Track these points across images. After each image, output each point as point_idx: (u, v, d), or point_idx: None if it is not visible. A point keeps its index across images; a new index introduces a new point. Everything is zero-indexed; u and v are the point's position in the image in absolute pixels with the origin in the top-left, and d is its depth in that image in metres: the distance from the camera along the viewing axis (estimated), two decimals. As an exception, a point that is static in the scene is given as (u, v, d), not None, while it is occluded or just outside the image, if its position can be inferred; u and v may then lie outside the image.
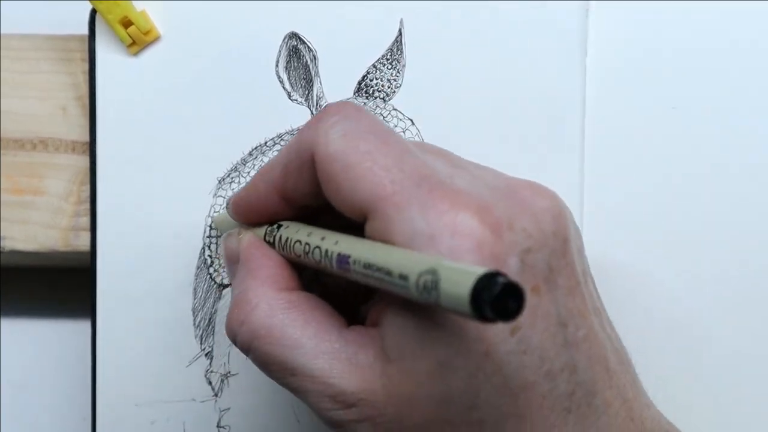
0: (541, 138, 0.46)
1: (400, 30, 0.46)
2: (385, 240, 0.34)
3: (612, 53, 0.46)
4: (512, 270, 0.34)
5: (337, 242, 0.36)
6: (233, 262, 0.41)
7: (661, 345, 0.46)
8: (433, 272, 0.31)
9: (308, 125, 0.37)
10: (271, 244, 0.40)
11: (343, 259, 0.35)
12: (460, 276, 0.30)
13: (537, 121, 0.46)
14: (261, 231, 0.41)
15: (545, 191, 0.37)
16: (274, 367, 0.37)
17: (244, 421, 0.48)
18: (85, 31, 0.47)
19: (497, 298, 0.29)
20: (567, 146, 0.46)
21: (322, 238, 0.37)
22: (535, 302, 0.34)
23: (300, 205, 0.39)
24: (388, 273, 0.33)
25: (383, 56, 0.47)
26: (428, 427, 0.35)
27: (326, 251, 0.36)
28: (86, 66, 0.48)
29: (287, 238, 0.39)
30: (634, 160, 0.46)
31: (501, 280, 0.29)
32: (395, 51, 0.47)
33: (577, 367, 0.35)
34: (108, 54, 0.47)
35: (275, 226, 0.40)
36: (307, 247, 0.37)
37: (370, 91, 0.47)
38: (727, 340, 0.46)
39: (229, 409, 0.48)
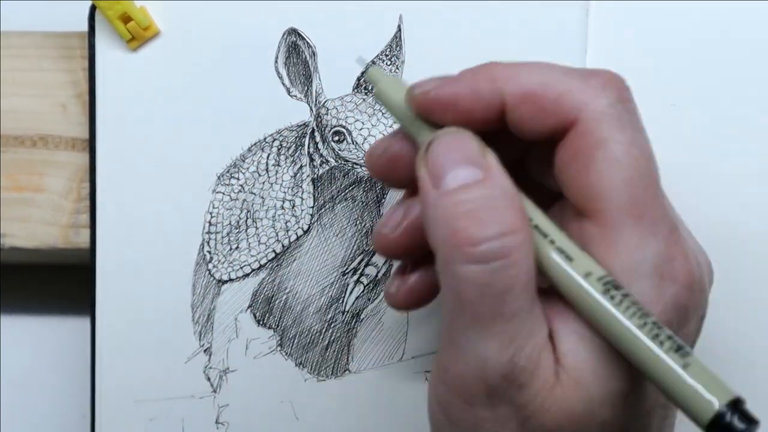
0: (541, 138, 0.46)
1: (399, 26, 0.46)
2: (608, 246, 0.33)
3: (612, 53, 0.46)
4: (692, 326, 0.35)
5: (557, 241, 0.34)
6: (469, 164, 0.34)
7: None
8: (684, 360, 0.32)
9: (586, 82, 0.35)
10: None
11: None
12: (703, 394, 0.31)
13: (537, 121, 0.46)
14: None
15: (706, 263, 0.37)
16: (497, 301, 0.33)
17: (243, 418, 0.48)
18: (85, 28, 0.47)
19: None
20: (567, 146, 0.46)
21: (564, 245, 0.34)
22: None
23: (506, 134, 0.36)
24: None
25: (382, 52, 0.47)
26: None
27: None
28: (86, 63, 0.48)
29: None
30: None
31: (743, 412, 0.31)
32: (394, 47, 0.47)
33: None
34: (108, 50, 0.47)
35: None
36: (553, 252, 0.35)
37: (370, 87, 0.47)
38: (729, 338, 0.46)
39: (227, 405, 0.48)
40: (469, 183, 0.34)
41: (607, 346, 0.33)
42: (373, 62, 0.46)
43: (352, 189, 0.47)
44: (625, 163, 0.34)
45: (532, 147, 0.38)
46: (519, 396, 0.33)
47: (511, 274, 0.33)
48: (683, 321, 0.34)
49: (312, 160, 0.47)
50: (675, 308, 0.33)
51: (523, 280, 0.33)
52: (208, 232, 0.47)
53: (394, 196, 0.47)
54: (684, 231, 0.35)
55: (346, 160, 0.47)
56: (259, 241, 0.47)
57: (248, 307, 0.48)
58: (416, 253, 0.38)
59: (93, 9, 0.47)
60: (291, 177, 0.47)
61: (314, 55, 0.47)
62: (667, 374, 0.31)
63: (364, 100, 0.47)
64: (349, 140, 0.47)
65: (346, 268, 0.47)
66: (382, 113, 0.47)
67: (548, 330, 0.34)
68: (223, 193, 0.47)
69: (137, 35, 0.47)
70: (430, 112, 0.36)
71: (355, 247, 0.47)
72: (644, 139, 0.35)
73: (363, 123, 0.47)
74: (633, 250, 0.33)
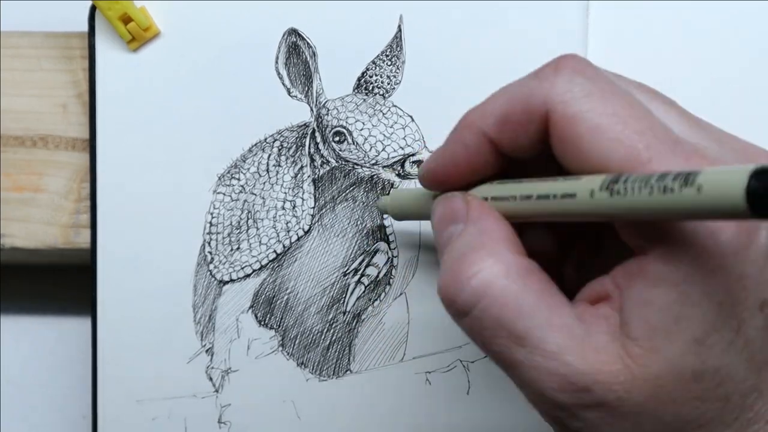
0: (540, 136, 0.46)
1: (399, 26, 0.46)
2: None
3: (612, 53, 0.46)
4: (762, 244, 0.33)
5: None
6: (454, 221, 0.37)
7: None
8: (692, 173, 0.29)
9: (540, 77, 0.35)
10: None
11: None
12: (727, 174, 0.28)
13: (536, 120, 0.46)
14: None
15: None
16: (502, 333, 0.34)
17: (245, 417, 0.48)
18: (85, 28, 0.47)
19: None
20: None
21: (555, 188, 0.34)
22: None
23: (512, 158, 0.37)
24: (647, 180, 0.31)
25: (383, 52, 0.47)
26: (675, 407, 0.33)
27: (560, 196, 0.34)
28: (86, 63, 0.48)
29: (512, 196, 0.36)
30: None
31: None
32: (395, 47, 0.47)
33: None
34: (108, 51, 0.47)
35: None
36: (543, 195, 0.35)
37: (370, 88, 0.47)
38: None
39: (229, 404, 0.48)
40: (452, 239, 0.36)
41: (669, 299, 0.33)
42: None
43: (353, 189, 0.47)
44: (604, 123, 0.34)
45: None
46: (594, 397, 0.33)
47: (494, 313, 0.34)
48: (747, 232, 0.32)
49: (313, 160, 0.47)
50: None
51: (528, 301, 0.34)
52: (209, 233, 0.47)
53: (395, 196, 0.47)
54: (716, 151, 0.34)
55: (347, 161, 0.47)
56: (260, 242, 0.47)
57: (249, 308, 0.48)
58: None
59: (93, 9, 0.47)
60: (292, 177, 0.47)
61: (314, 55, 0.47)
62: (691, 208, 0.30)
63: (364, 100, 0.47)
64: (350, 140, 0.47)
65: (347, 269, 0.47)
66: (383, 113, 0.47)
67: (596, 318, 0.34)
68: (224, 194, 0.47)
69: (137, 36, 0.47)
70: (440, 183, 0.39)
71: (356, 247, 0.47)
72: (615, 91, 0.34)
73: (363, 123, 0.47)
74: None
